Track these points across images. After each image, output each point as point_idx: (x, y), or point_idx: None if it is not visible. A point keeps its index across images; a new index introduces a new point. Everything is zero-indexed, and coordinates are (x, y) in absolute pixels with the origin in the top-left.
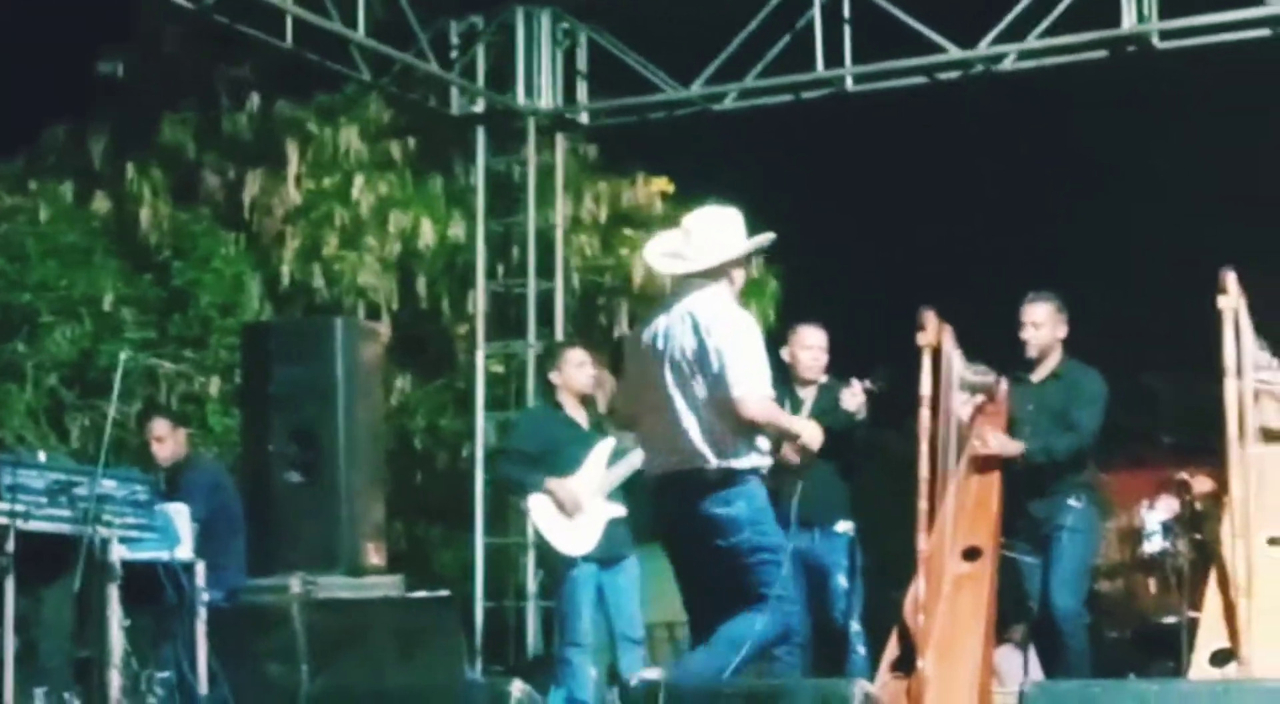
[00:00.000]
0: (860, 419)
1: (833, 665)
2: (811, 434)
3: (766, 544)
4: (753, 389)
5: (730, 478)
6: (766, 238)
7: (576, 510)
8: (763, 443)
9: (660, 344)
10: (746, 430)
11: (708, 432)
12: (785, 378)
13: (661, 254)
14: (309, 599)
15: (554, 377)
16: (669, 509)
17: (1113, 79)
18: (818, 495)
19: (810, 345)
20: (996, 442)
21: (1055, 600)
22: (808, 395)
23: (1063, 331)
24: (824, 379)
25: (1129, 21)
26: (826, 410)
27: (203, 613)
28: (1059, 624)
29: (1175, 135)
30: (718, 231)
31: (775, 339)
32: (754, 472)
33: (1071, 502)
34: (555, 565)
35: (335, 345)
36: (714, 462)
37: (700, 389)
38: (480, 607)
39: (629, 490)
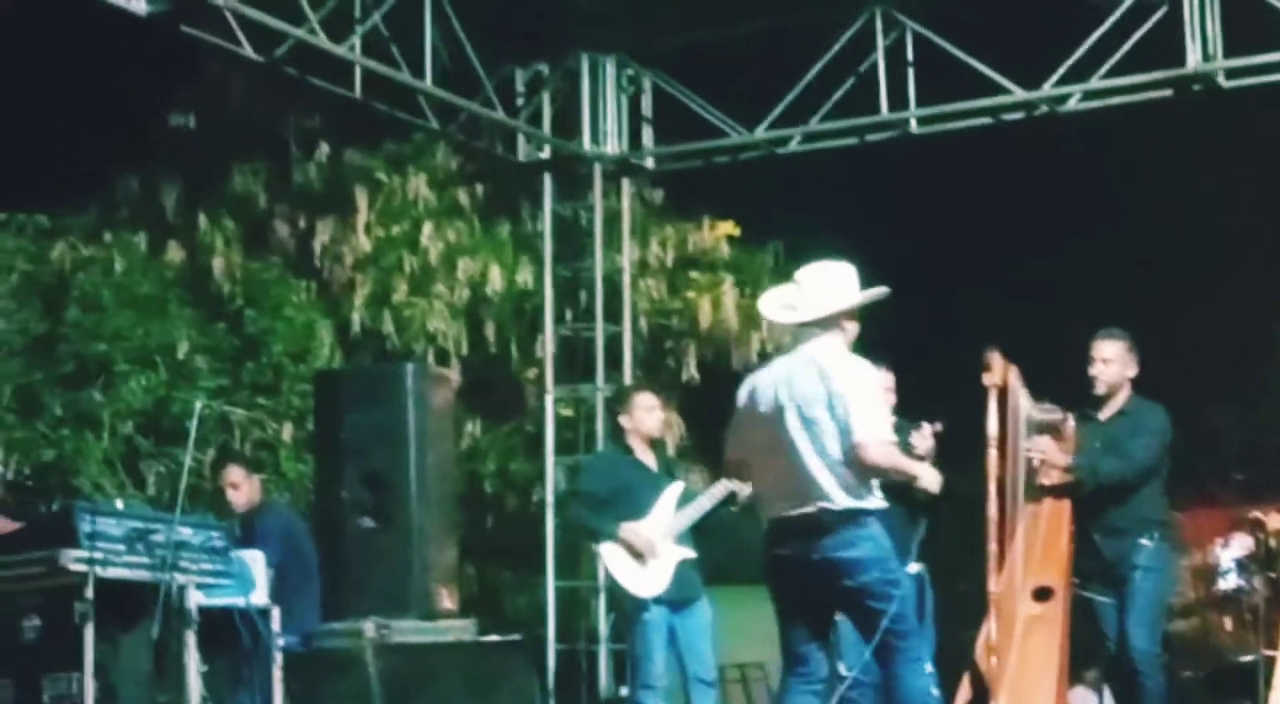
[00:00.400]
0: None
1: None
2: (930, 477)
3: (894, 581)
4: (873, 434)
5: (853, 519)
6: (880, 291)
7: (651, 554)
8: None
9: (783, 390)
10: (868, 473)
11: (831, 475)
12: None
13: (777, 306)
14: (382, 643)
15: (624, 420)
16: (788, 553)
17: (1178, 118)
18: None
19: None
20: (1043, 445)
21: (1131, 640)
22: None
23: (1132, 370)
24: (892, 420)
25: (1194, 60)
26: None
27: (278, 658)
28: (1135, 664)
29: (1241, 173)
30: (830, 283)
31: None
32: (875, 513)
33: (1144, 541)
34: (627, 608)
35: (406, 391)
36: (838, 503)
37: (824, 433)
38: (552, 650)
39: (699, 533)
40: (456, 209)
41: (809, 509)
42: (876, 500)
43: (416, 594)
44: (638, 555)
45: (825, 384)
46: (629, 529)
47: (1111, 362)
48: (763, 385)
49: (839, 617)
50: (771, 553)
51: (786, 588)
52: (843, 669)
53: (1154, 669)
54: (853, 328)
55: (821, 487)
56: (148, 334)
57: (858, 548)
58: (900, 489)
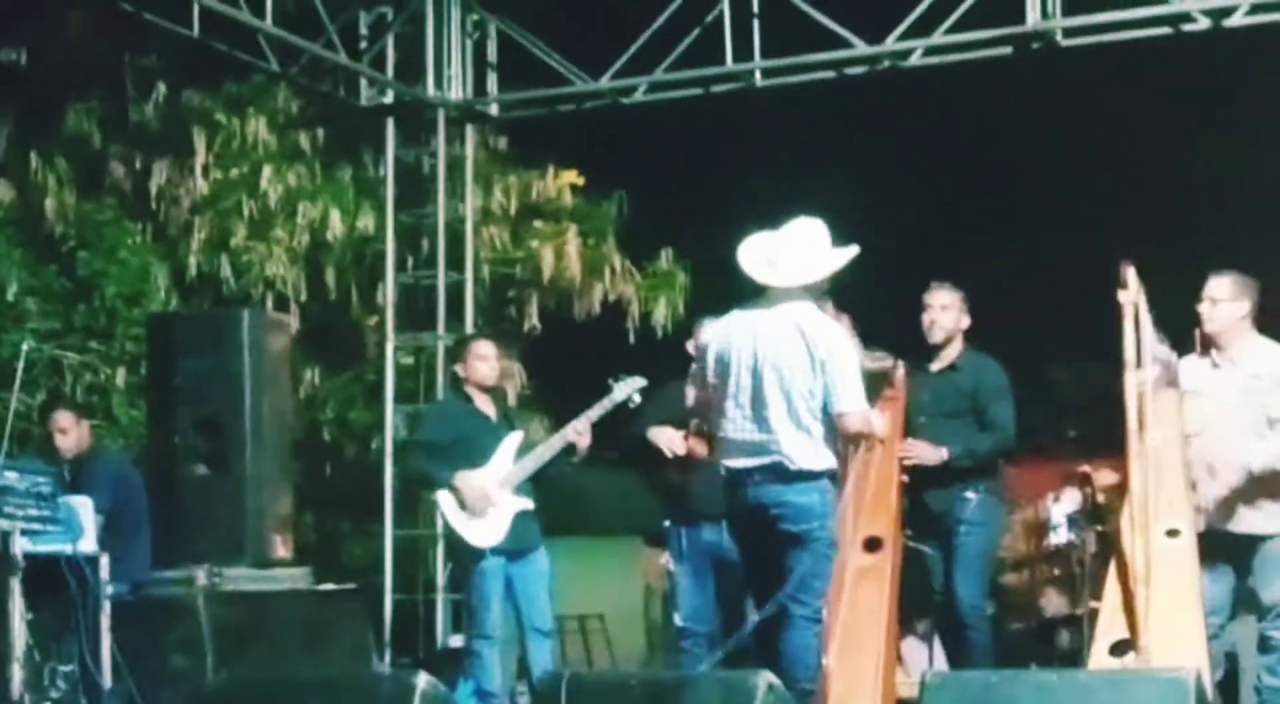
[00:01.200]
0: None
1: (739, 659)
2: (881, 426)
3: (830, 539)
4: (857, 404)
5: (811, 474)
6: (853, 250)
7: (485, 505)
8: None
9: (762, 347)
10: (845, 440)
11: (796, 436)
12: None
13: (760, 262)
14: (214, 591)
15: (459, 369)
16: (746, 499)
17: (1018, 75)
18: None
19: None
20: (919, 450)
21: (958, 592)
22: None
23: (965, 321)
24: None
25: (1033, 18)
26: None
27: (106, 606)
28: (962, 616)
29: (1080, 130)
30: (816, 245)
31: (685, 331)
32: (830, 473)
33: (969, 494)
34: (464, 557)
35: (242, 336)
36: (796, 464)
37: (798, 396)
38: (389, 599)
39: (539, 484)
40: (297, 153)
41: (766, 462)
42: (833, 460)
43: (250, 542)
44: (473, 509)
45: (809, 350)
46: (463, 478)
47: (948, 309)
48: (735, 338)
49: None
50: (731, 501)
51: (747, 535)
52: (677, 619)
53: (981, 621)
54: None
55: (784, 446)
56: None
57: (808, 496)
58: None
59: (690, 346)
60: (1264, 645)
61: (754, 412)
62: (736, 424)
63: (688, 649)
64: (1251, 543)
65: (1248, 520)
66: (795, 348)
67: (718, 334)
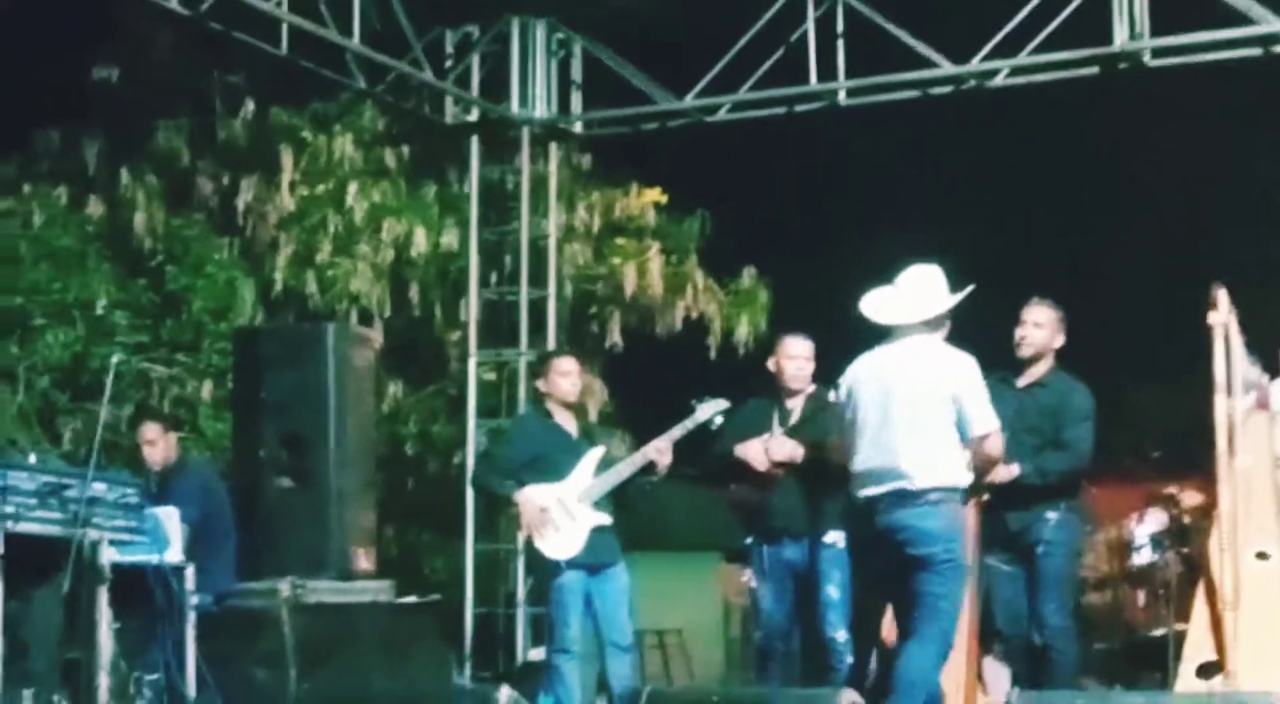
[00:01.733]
0: None
1: (820, 676)
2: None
3: (957, 561)
4: (994, 424)
5: (933, 498)
6: (967, 291)
7: (543, 523)
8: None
9: (891, 376)
10: (981, 461)
11: (927, 457)
12: (773, 388)
13: (878, 305)
14: (298, 603)
15: (541, 385)
16: (877, 529)
17: (1105, 95)
18: (806, 506)
19: (795, 356)
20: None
21: (1042, 614)
22: (795, 405)
23: (1059, 341)
24: (811, 389)
25: (1121, 38)
26: (814, 420)
27: (192, 616)
28: (1046, 636)
29: (1167, 151)
30: (931, 286)
31: (766, 349)
32: (957, 491)
33: (1049, 513)
34: (542, 571)
35: (327, 351)
36: (923, 483)
37: (932, 419)
38: (470, 612)
39: (618, 499)
40: (382, 169)
41: (892, 488)
42: (958, 483)
43: (334, 554)
44: (533, 528)
45: (942, 374)
46: (523, 497)
47: (1042, 327)
48: (863, 375)
49: None
50: (859, 532)
51: (871, 562)
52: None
53: (1065, 642)
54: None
55: (909, 471)
56: (66, 288)
57: (929, 520)
58: (816, 460)
59: (771, 365)
60: None
61: (881, 440)
62: (865, 454)
63: (768, 667)
64: None
65: None
66: (921, 376)
67: (849, 376)
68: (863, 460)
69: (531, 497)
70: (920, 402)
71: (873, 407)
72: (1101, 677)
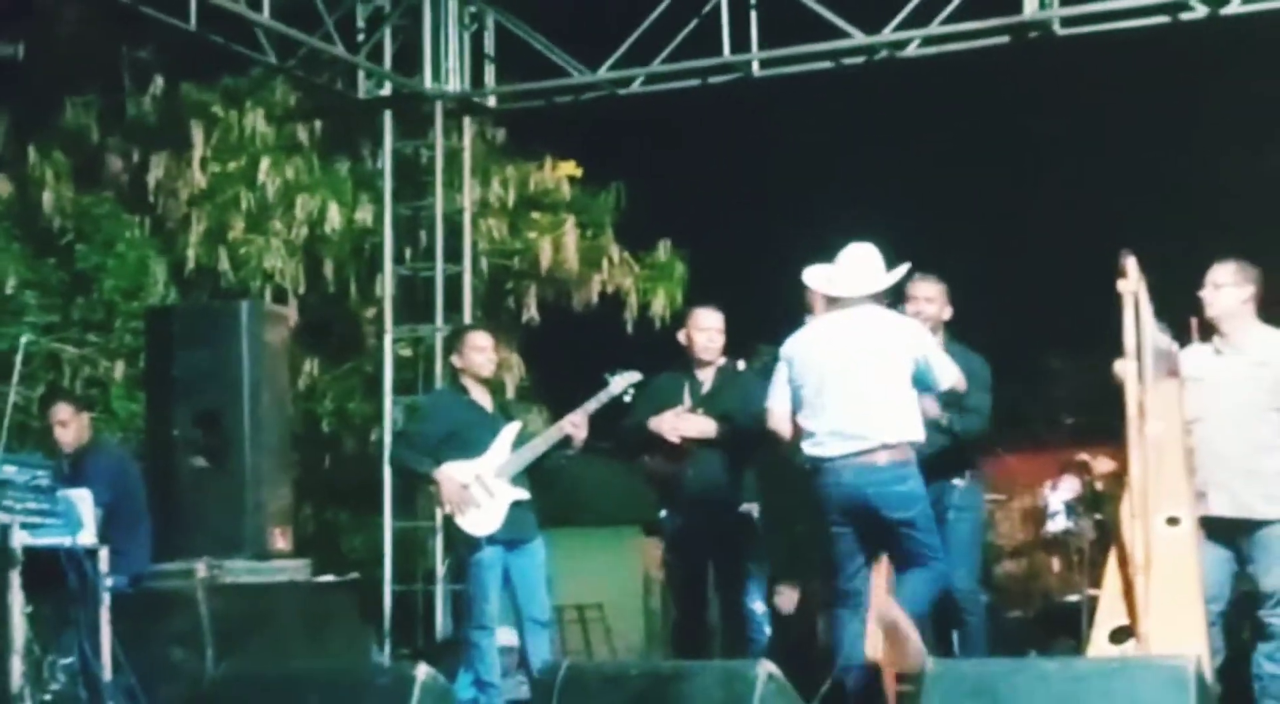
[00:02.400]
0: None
1: (738, 648)
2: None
3: (930, 512)
4: (959, 374)
5: (905, 456)
6: (904, 268)
7: (463, 500)
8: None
9: (851, 341)
10: (917, 414)
11: (894, 413)
12: (683, 361)
13: (822, 279)
14: (214, 584)
15: (455, 360)
16: (848, 489)
17: (1016, 65)
18: (722, 478)
19: (706, 327)
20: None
21: (952, 580)
22: (706, 377)
23: (948, 313)
24: (721, 361)
25: (1031, 8)
26: (725, 392)
27: (106, 599)
28: (957, 603)
29: (1075, 120)
30: (875, 264)
31: (681, 322)
32: (916, 446)
33: (957, 481)
34: (461, 548)
35: (240, 329)
36: (895, 438)
37: (895, 378)
38: (389, 590)
39: (534, 474)
40: (295, 145)
41: (869, 445)
42: (920, 435)
43: (250, 534)
44: (454, 506)
45: (899, 337)
46: (443, 474)
47: (933, 301)
48: (816, 343)
49: None
50: (829, 489)
51: (846, 522)
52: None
53: (976, 607)
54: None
55: (884, 424)
56: None
57: (906, 484)
58: (730, 431)
59: (681, 337)
60: (1263, 633)
61: (843, 401)
62: (826, 415)
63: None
64: (1251, 528)
65: (1248, 506)
66: (880, 339)
67: (796, 345)
68: (824, 422)
69: (451, 474)
70: (883, 363)
71: (830, 371)
72: (1017, 643)
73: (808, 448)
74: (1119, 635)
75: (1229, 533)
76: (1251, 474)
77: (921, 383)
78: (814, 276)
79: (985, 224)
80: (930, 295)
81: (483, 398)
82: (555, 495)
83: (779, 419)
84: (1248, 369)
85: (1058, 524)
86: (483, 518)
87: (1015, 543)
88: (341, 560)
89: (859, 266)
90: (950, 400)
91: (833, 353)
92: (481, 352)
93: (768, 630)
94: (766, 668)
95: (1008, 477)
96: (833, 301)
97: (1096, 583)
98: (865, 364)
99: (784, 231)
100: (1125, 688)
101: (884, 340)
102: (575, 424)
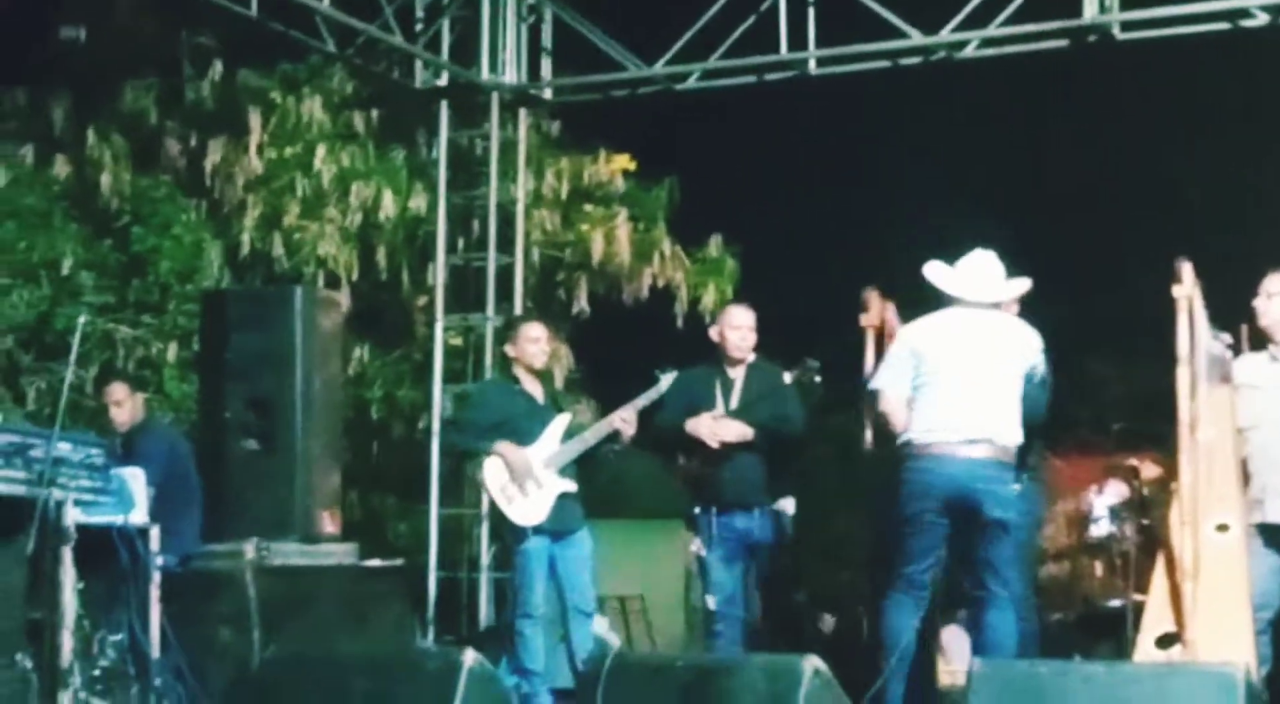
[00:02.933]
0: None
1: (781, 641)
2: None
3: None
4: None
5: (1012, 458)
6: (1026, 283)
7: (527, 474)
8: None
9: (983, 341)
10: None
11: (1009, 418)
12: (716, 358)
13: (951, 279)
14: (262, 565)
15: (509, 350)
16: (954, 482)
17: (1075, 68)
18: (758, 478)
19: (738, 326)
20: None
21: None
22: (737, 375)
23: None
24: (752, 358)
25: (1090, 11)
26: (766, 395)
27: (156, 577)
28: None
29: (1131, 124)
30: (996, 272)
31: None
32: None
33: (1014, 485)
34: (507, 537)
35: (294, 314)
36: (1010, 442)
37: (1012, 383)
38: (433, 576)
39: (582, 466)
40: (351, 133)
41: (984, 442)
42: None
43: (298, 517)
44: (517, 477)
45: (1025, 346)
46: (507, 447)
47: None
48: (944, 336)
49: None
50: (932, 479)
51: (943, 515)
52: (711, 603)
53: (1027, 611)
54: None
55: (1001, 427)
56: (31, 248)
57: (1009, 485)
58: (767, 433)
59: (714, 334)
60: None
61: (970, 400)
62: (949, 412)
63: (720, 633)
64: None
65: None
66: (1008, 345)
67: (921, 334)
68: (940, 413)
69: (515, 450)
70: (1003, 366)
71: (954, 365)
72: (1059, 647)
73: (918, 435)
74: (1165, 641)
75: None
76: None
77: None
78: (938, 275)
79: (1038, 227)
80: None
81: (534, 388)
82: (599, 487)
83: (892, 402)
84: None
85: (1101, 529)
86: (530, 508)
87: (1059, 546)
88: (387, 546)
89: (985, 272)
90: None
91: (959, 348)
92: (535, 342)
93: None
94: (813, 663)
95: (1053, 480)
96: (954, 300)
97: (1140, 588)
98: (988, 365)
99: (835, 231)
100: (1174, 693)
101: (1007, 344)
102: (625, 420)
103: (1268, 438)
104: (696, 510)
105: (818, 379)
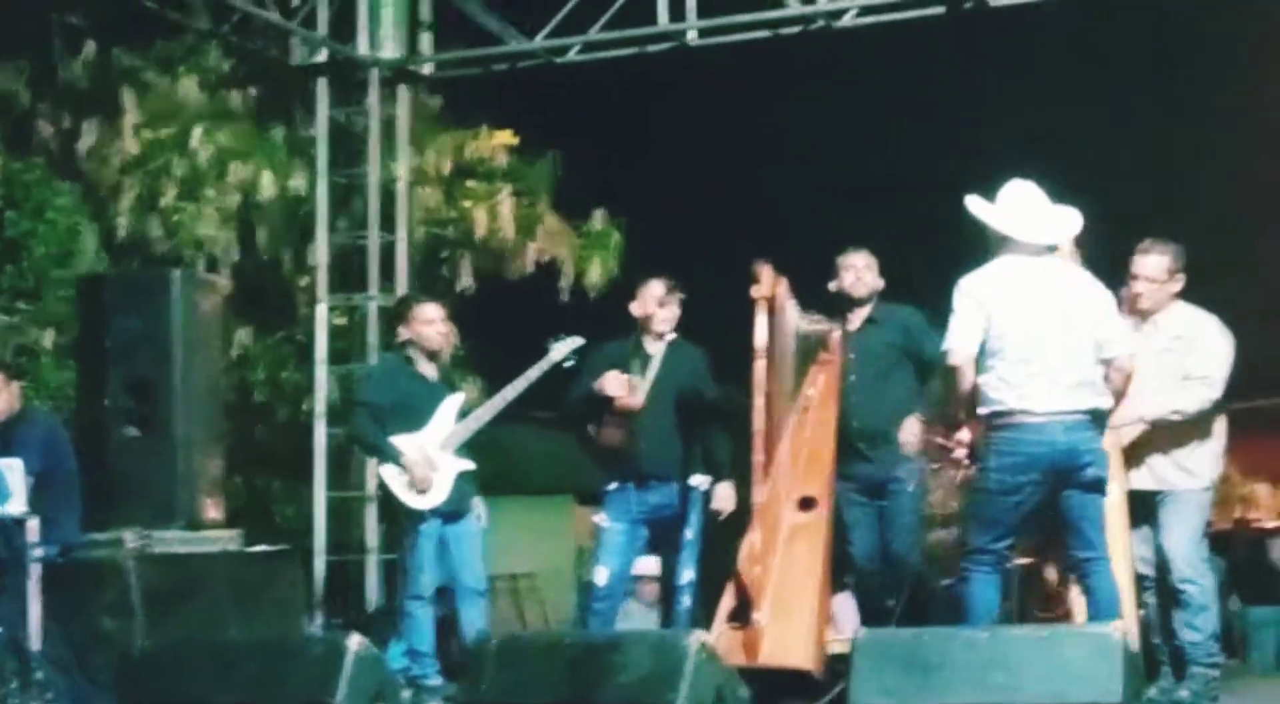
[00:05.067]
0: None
1: (667, 617)
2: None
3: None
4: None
5: (1101, 419)
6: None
7: (428, 469)
8: None
9: (1068, 295)
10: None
11: (1098, 374)
12: (632, 332)
13: (1015, 219)
14: (144, 554)
15: (403, 331)
16: (1057, 445)
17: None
18: (671, 449)
19: (665, 300)
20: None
21: (894, 549)
22: (656, 350)
23: (880, 282)
24: (673, 335)
25: None
26: (678, 368)
27: (36, 569)
28: (900, 574)
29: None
30: (1053, 208)
31: (620, 291)
32: None
33: (898, 452)
34: (402, 519)
35: (172, 297)
36: (1104, 399)
37: (1094, 340)
38: (321, 559)
39: (474, 443)
40: (228, 112)
41: (1086, 405)
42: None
43: (181, 504)
44: (417, 475)
45: (1098, 296)
46: (413, 461)
47: (870, 268)
48: (1024, 287)
49: None
50: (1032, 448)
51: (1044, 481)
52: (599, 579)
53: (918, 579)
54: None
55: (1097, 383)
56: None
57: (1102, 440)
58: (701, 402)
59: (635, 308)
60: (1177, 601)
61: (1062, 357)
62: (1039, 369)
63: (601, 610)
64: (1163, 497)
65: (1160, 476)
66: (1086, 297)
67: (998, 287)
68: (1035, 374)
69: (415, 453)
70: (1091, 320)
71: (1044, 321)
72: (947, 612)
73: (1010, 399)
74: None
75: (1147, 504)
76: (1164, 444)
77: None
78: (983, 210)
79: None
80: (867, 263)
81: (427, 369)
82: (489, 464)
83: (964, 359)
84: (1164, 343)
85: None
86: (429, 494)
87: (946, 513)
88: (274, 530)
89: (1037, 209)
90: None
91: (1047, 302)
92: (430, 324)
93: (687, 601)
94: (699, 637)
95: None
96: (1010, 243)
97: (1027, 552)
98: (1080, 319)
99: (714, 203)
100: (1056, 657)
101: (1089, 295)
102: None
103: (1132, 405)
104: (612, 485)
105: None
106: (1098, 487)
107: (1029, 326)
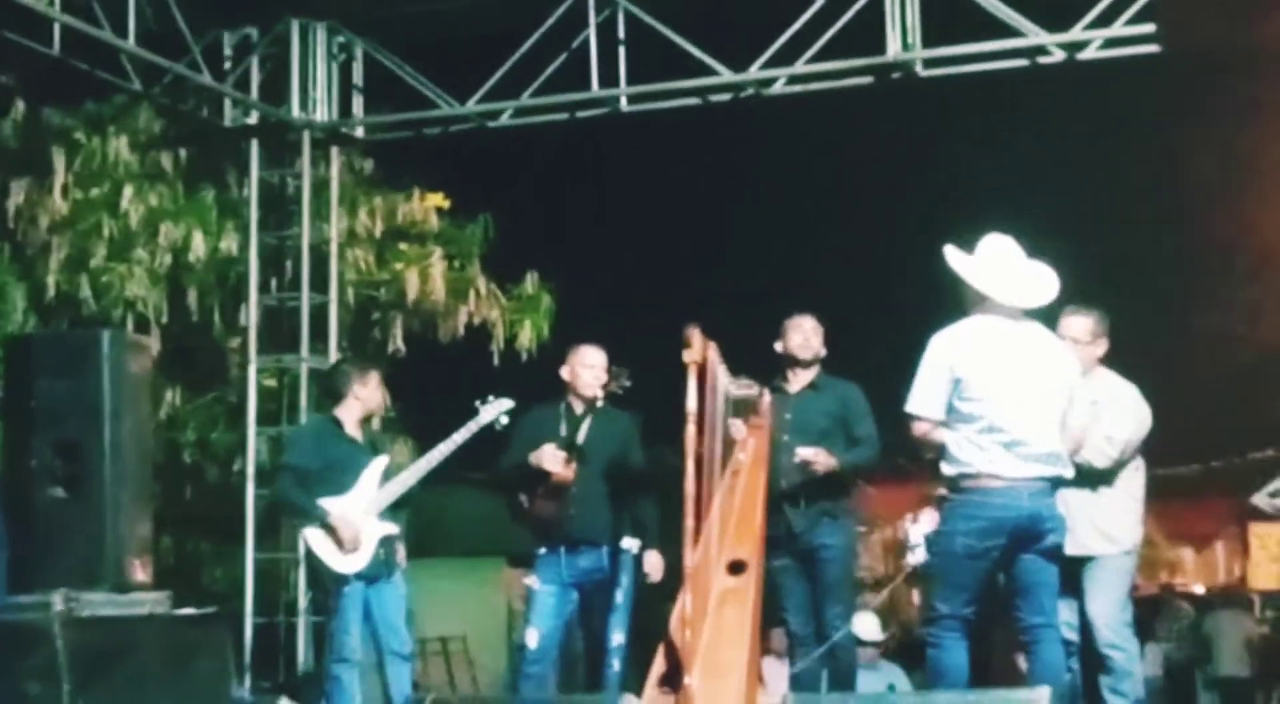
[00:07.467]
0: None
1: (596, 681)
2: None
3: None
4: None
5: (1060, 486)
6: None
7: (354, 533)
8: None
9: (1039, 360)
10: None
11: (1057, 438)
12: (560, 396)
13: (995, 281)
14: (71, 617)
15: (358, 391)
16: (1025, 509)
17: (880, 104)
18: (601, 514)
19: (592, 364)
20: (812, 453)
21: (826, 614)
22: (585, 415)
23: (823, 350)
24: (601, 403)
25: (894, 49)
26: (605, 431)
27: None
28: (830, 636)
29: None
30: (1037, 271)
31: (549, 354)
32: None
33: (829, 516)
34: (326, 582)
35: (101, 358)
36: (1064, 472)
37: (1059, 407)
38: (250, 622)
39: (399, 507)
40: (159, 173)
41: (1052, 471)
42: None
43: (109, 566)
44: (346, 548)
45: (1070, 364)
46: (340, 519)
47: (818, 332)
48: (995, 350)
49: None
50: (998, 512)
51: (1001, 546)
52: (531, 641)
53: (849, 641)
54: None
55: (1061, 458)
56: None
57: (1058, 508)
58: (630, 468)
59: (565, 373)
60: (1103, 666)
61: (1033, 421)
62: (1014, 434)
63: (533, 674)
64: (1087, 563)
65: (1081, 542)
66: (1055, 362)
67: (969, 347)
68: (1004, 439)
69: (346, 518)
70: (1057, 386)
71: (1016, 385)
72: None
73: (979, 462)
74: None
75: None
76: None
77: None
78: (963, 266)
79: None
80: (815, 327)
81: (356, 432)
82: (417, 526)
83: (927, 420)
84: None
85: (918, 557)
86: (353, 557)
87: (877, 575)
88: (203, 592)
89: (1019, 269)
90: (835, 432)
91: (1018, 366)
92: (379, 390)
93: (617, 664)
94: (630, 702)
95: (869, 508)
96: (985, 303)
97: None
98: (1049, 385)
99: (646, 267)
100: None
101: (1060, 363)
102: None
103: None
104: (543, 550)
105: (627, 383)
106: (1055, 553)
107: (1004, 394)
